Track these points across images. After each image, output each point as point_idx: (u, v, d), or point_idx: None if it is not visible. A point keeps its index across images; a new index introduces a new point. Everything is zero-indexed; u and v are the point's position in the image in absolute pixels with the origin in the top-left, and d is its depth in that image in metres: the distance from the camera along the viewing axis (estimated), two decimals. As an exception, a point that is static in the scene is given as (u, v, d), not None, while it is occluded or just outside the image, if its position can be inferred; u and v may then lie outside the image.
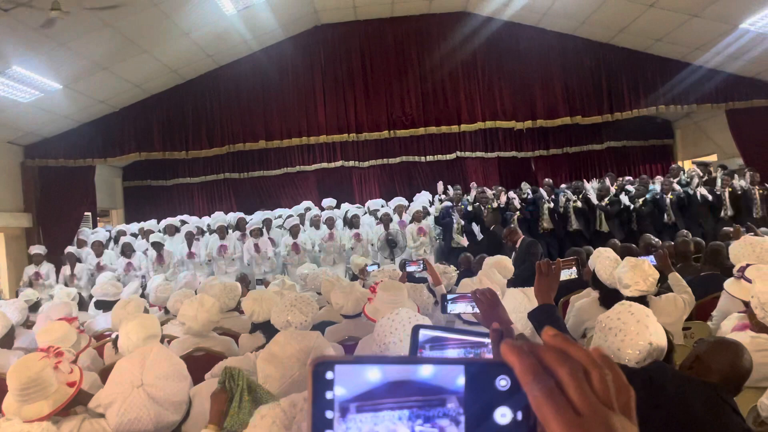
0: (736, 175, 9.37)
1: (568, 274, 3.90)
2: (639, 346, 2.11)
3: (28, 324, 4.99)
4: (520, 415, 0.50)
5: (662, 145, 13.89)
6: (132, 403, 1.79)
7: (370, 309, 3.46)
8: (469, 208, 9.63)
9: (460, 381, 0.51)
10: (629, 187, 10.05)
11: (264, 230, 9.81)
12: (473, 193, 10.23)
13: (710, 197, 9.12)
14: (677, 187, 9.49)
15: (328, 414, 0.51)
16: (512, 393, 0.50)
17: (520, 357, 0.49)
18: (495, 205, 9.57)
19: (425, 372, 0.51)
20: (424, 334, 1.13)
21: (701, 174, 9.57)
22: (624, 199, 9.43)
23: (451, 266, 5.30)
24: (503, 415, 0.50)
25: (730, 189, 9.20)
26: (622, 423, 0.48)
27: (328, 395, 0.51)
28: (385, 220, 9.59)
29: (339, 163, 12.96)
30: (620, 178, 11.26)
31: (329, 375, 0.51)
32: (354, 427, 0.51)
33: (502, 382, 0.51)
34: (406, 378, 0.51)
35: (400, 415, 0.51)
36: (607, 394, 0.48)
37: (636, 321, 2.19)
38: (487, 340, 1.18)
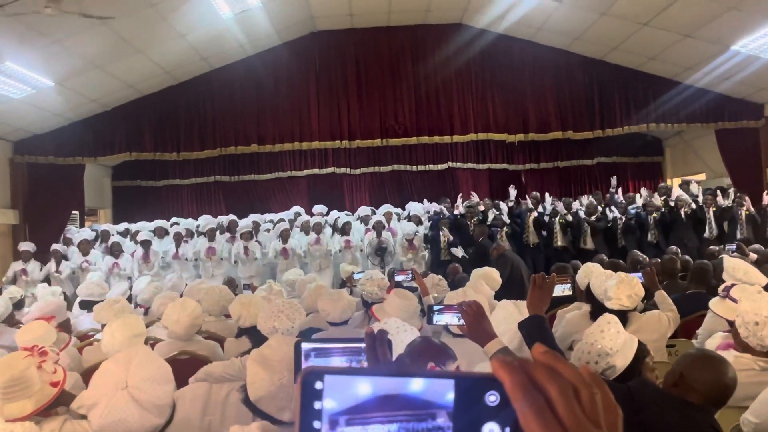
0: (719, 193, 9.43)
1: (562, 289, 3.95)
2: (588, 346, 2.23)
3: (12, 322, 4.92)
4: (508, 431, 0.50)
5: (652, 162, 14.01)
6: (116, 405, 1.77)
7: (377, 308, 3.54)
8: (457, 211, 9.75)
9: (450, 396, 0.51)
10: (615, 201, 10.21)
11: (253, 233, 9.81)
12: (459, 204, 10.24)
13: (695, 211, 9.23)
14: (657, 203, 9.56)
15: (316, 424, 0.51)
16: (501, 409, 0.50)
17: (510, 373, 0.50)
18: (482, 217, 9.67)
19: (416, 386, 0.52)
20: (305, 346, 1.16)
21: (689, 200, 9.59)
22: (610, 214, 9.52)
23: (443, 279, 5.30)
24: (491, 430, 0.50)
25: (714, 208, 9.27)
26: None
27: (317, 405, 0.51)
28: (378, 228, 9.58)
29: (330, 170, 12.97)
30: (607, 195, 11.35)
31: (318, 385, 0.52)
32: None
33: (492, 398, 0.51)
34: (397, 392, 0.52)
35: (390, 429, 0.51)
36: (595, 413, 0.49)
37: (596, 325, 2.31)
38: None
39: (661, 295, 4.02)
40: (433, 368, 1.78)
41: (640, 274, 4.26)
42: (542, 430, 0.47)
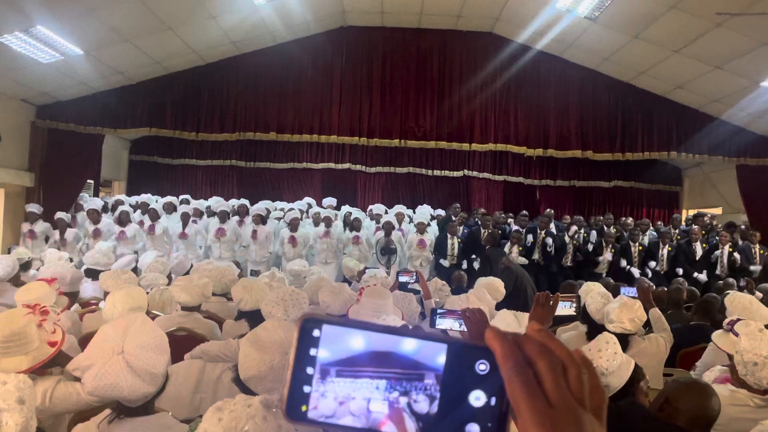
0: (733, 231, 9.34)
1: (565, 307, 3.93)
2: None
3: (17, 282, 4.96)
4: (494, 401, 0.52)
5: (669, 191, 13.91)
6: (110, 368, 1.78)
7: (353, 311, 3.51)
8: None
9: (441, 359, 0.53)
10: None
11: (265, 218, 9.84)
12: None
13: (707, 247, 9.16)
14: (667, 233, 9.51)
15: (309, 370, 0.52)
16: (490, 378, 0.52)
17: (502, 343, 0.51)
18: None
19: (408, 346, 0.53)
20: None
21: (702, 231, 9.48)
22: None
23: (446, 285, 5.31)
24: (477, 398, 0.52)
25: (731, 248, 9.18)
26: (591, 422, 0.49)
27: (312, 352, 0.53)
28: (388, 228, 9.57)
29: (346, 165, 13.00)
30: (622, 218, 11.26)
31: (316, 333, 0.53)
32: (331, 389, 0.52)
33: (482, 366, 0.52)
34: (390, 349, 0.53)
35: (378, 385, 0.52)
36: (580, 392, 0.50)
37: (594, 343, 2.29)
38: None
39: (655, 313, 4.00)
40: None
41: (634, 289, 4.22)
42: (528, 401, 0.48)
